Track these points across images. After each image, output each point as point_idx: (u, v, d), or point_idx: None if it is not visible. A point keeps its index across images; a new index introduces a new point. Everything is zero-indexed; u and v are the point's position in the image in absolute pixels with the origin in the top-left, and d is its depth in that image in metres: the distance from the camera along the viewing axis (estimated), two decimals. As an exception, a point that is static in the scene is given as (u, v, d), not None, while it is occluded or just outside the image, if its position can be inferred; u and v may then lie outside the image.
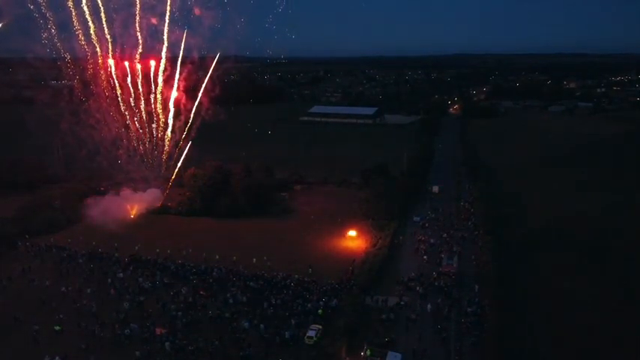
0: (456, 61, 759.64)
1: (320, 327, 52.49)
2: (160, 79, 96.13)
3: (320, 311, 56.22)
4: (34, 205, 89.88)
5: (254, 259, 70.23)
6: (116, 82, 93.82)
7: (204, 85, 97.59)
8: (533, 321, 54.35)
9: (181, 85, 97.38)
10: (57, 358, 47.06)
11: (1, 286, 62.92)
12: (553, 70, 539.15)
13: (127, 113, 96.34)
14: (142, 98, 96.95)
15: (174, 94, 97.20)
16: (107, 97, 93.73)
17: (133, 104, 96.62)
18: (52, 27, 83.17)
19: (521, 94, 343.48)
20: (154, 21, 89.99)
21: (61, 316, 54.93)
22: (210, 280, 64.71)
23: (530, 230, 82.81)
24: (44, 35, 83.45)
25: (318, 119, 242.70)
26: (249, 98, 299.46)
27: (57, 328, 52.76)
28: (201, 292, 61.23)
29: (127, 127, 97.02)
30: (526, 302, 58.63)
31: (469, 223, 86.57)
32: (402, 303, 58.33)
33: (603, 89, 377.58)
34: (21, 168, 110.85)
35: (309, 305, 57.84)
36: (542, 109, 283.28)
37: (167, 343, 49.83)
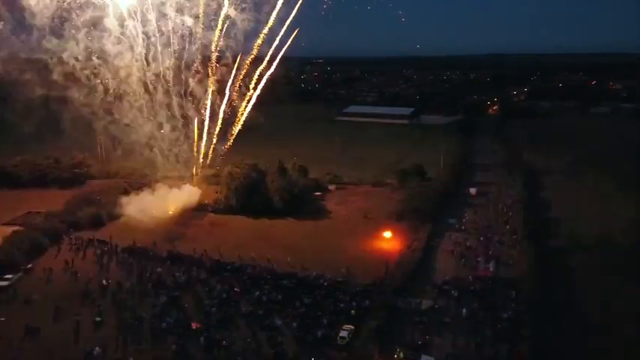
0: (490, 60, 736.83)
1: (352, 327, 52.40)
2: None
3: (353, 311, 56.16)
4: (79, 201, 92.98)
5: (288, 258, 70.72)
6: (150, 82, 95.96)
7: (237, 85, 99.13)
8: (571, 330, 52.69)
9: (217, 86, 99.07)
10: (96, 348, 48.51)
11: (45, 278, 65.19)
12: (596, 71, 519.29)
13: (162, 113, 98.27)
14: (176, 98, 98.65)
15: (209, 93, 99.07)
16: (142, 97, 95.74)
17: (167, 104, 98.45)
18: (84, 27, 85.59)
19: (563, 95, 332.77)
20: (188, 22, 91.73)
21: (101, 307, 56.74)
22: (245, 278, 65.51)
23: (571, 235, 79.99)
24: (79, 35, 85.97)
25: (354, 119, 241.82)
26: (287, 98, 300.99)
27: (97, 319, 54.53)
28: (236, 289, 62.08)
29: (163, 126, 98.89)
30: (564, 310, 56.83)
31: (507, 227, 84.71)
32: (436, 306, 57.67)
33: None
34: (64, 165, 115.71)
35: (341, 305, 57.84)
36: (583, 110, 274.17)
37: (202, 338, 50.82)
